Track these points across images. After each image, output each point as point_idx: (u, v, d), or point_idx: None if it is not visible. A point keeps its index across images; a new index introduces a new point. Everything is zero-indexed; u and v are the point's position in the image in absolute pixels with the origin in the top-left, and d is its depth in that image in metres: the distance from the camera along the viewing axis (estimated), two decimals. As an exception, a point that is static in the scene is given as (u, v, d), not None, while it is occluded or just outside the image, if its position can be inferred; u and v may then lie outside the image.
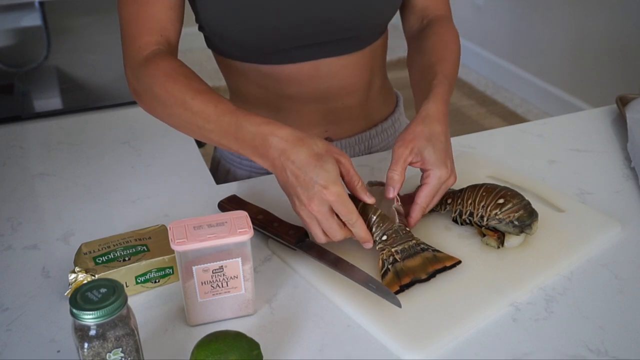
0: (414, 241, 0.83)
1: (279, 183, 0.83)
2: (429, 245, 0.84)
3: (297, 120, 1.10)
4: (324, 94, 1.08)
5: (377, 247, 0.83)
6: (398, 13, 1.12)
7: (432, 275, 0.81)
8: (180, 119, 0.89)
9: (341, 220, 0.80)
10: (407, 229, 0.85)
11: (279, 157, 0.80)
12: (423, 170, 0.87)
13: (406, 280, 0.79)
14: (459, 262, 0.83)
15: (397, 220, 0.84)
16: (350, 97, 1.10)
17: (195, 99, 0.86)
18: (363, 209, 0.84)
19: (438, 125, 0.87)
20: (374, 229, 0.83)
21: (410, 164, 0.86)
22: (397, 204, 0.86)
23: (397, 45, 2.42)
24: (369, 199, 0.83)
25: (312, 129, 1.11)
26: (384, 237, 0.83)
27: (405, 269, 0.80)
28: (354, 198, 0.83)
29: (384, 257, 0.82)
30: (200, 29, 1.05)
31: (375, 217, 0.83)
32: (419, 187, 0.87)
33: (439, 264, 0.82)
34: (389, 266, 0.81)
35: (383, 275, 0.81)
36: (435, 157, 0.85)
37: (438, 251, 0.83)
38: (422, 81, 0.95)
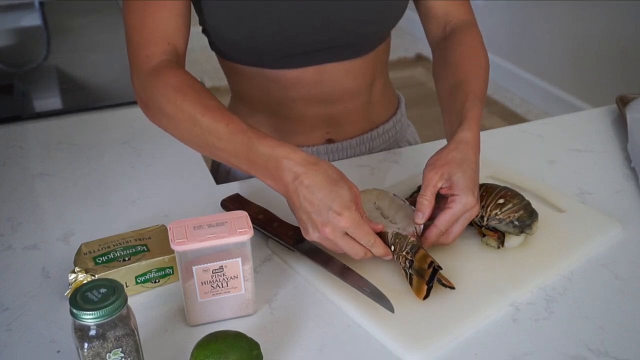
0: (414, 239, 0.82)
1: (290, 207, 0.81)
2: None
3: (298, 123, 1.10)
4: (326, 97, 1.08)
5: (395, 261, 0.82)
6: (418, 19, 1.11)
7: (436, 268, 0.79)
8: (189, 134, 0.87)
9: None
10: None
11: (292, 181, 0.78)
12: (449, 195, 0.83)
13: (428, 275, 0.77)
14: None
15: (412, 228, 0.83)
16: (353, 100, 1.10)
17: (205, 115, 0.84)
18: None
19: (471, 152, 0.84)
20: (391, 247, 0.82)
21: (440, 189, 0.83)
22: (417, 226, 0.84)
23: (397, 45, 2.42)
24: (377, 227, 0.81)
25: (313, 132, 1.11)
26: (392, 248, 0.82)
27: (420, 263, 0.79)
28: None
29: (402, 265, 0.81)
30: (204, 31, 1.04)
31: (391, 237, 0.82)
32: (439, 211, 0.84)
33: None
34: (410, 271, 0.80)
35: (411, 283, 0.80)
36: (464, 183, 0.82)
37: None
38: (453, 101, 0.92)
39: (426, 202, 0.82)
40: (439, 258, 0.83)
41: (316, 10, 0.97)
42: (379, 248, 0.80)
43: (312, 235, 0.79)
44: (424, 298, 0.78)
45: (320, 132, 1.11)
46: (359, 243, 0.79)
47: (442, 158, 0.83)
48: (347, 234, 0.78)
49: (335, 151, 1.12)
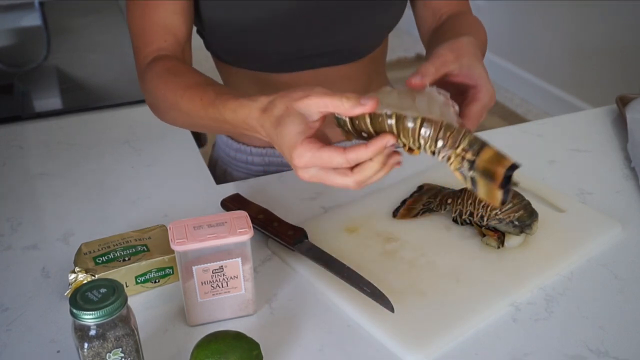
0: (470, 133, 0.65)
1: None
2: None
3: None
4: None
5: (439, 159, 0.66)
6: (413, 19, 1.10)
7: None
8: (179, 119, 0.89)
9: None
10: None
11: (265, 136, 0.74)
12: (470, 87, 0.74)
13: (500, 175, 0.63)
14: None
15: (454, 114, 0.67)
16: None
17: (183, 97, 0.84)
18: (375, 121, 0.67)
19: (480, 53, 0.78)
20: (421, 141, 0.66)
21: (449, 74, 0.73)
22: (443, 97, 0.69)
23: (397, 45, 2.41)
24: (366, 105, 0.66)
25: None
26: (439, 144, 0.65)
27: (488, 164, 0.63)
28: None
29: (457, 167, 0.65)
30: (199, 32, 1.04)
31: (414, 124, 0.65)
32: (465, 106, 0.73)
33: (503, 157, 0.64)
34: (472, 174, 0.64)
35: (474, 187, 0.65)
36: (484, 73, 0.74)
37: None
38: (447, 34, 0.88)
39: (432, 70, 0.71)
40: (437, 255, 0.83)
41: (313, 18, 0.97)
42: (360, 153, 0.65)
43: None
44: (502, 203, 0.64)
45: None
46: (343, 171, 0.67)
47: (459, 46, 0.75)
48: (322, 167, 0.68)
49: None
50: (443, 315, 0.77)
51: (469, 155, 0.64)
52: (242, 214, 0.77)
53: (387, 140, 0.65)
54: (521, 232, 0.86)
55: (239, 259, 0.76)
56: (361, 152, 0.65)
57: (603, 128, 1.21)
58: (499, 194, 0.63)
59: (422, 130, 0.65)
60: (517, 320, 0.78)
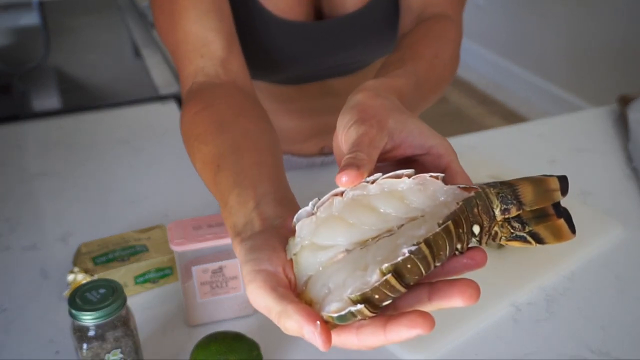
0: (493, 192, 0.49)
1: None
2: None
3: (293, 135, 1.07)
4: (325, 109, 1.05)
5: (489, 243, 0.49)
6: None
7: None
8: (205, 181, 0.70)
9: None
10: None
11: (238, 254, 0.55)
12: (422, 155, 0.52)
13: (551, 211, 0.49)
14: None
15: (441, 186, 0.48)
16: None
17: (198, 168, 0.69)
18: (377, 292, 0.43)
19: (394, 95, 0.57)
20: (446, 254, 0.45)
21: (382, 151, 0.51)
22: (405, 177, 0.48)
23: (397, 44, 2.40)
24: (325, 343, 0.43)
25: (309, 141, 1.08)
26: (476, 230, 0.47)
27: (535, 203, 0.49)
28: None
29: (510, 236, 0.49)
30: None
31: (421, 254, 0.43)
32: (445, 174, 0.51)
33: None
34: (529, 229, 0.49)
35: (540, 242, 0.50)
36: (424, 127, 0.52)
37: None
38: (380, 70, 0.69)
39: (365, 158, 0.47)
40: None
41: (323, 38, 0.94)
42: (369, 340, 0.44)
43: None
44: (574, 232, 0.51)
45: (315, 142, 1.10)
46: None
47: (365, 108, 0.52)
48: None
49: (328, 163, 1.11)
50: (443, 315, 0.77)
51: (513, 211, 0.48)
52: (242, 214, 0.77)
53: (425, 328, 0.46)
54: (522, 232, 0.85)
55: (239, 259, 0.75)
56: (370, 339, 0.45)
57: (604, 128, 1.21)
58: (564, 227, 0.50)
59: (442, 250, 0.44)
60: (517, 321, 0.78)
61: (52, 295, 0.83)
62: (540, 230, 0.50)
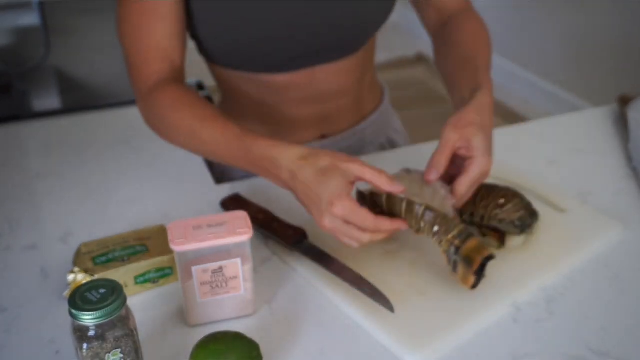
0: (462, 224, 0.79)
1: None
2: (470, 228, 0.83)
3: (291, 123, 1.09)
4: (318, 98, 1.08)
5: (432, 241, 0.79)
6: (417, 19, 1.11)
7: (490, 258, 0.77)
8: (191, 146, 0.93)
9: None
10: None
11: (290, 179, 0.80)
12: (465, 158, 0.83)
13: (477, 262, 0.75)
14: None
15: (451, 207, 0.80)
16: (344, 97, 1.11)
17: (202, 127, 0.89)
18: (390, 200, 0.80)
19: (488, 117, 0.87)
20: (421, 224, 0.79)
21: (456, 150, 0.82)
22: (444, 192, 0.81)
23: (397, 45, 2.42)
24: (396, 187, 0.78)
25: (306, 130, 1.11)
26: (436, 228, 0.78)
27: (470, 253, 0.76)
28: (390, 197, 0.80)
29: (446, 250, 0.77)
30: (193, 37, 1.04)
31: (421, 209, 0.78)
32: (455, 181, 0.82)
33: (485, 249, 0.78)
34: (455, 258, 0.77)
35: (454, 270, 0.77)
36: (483, 146, 0.82)
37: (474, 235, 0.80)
38: (463, 73, 0.94)
39: (443, 160, 0.81)
40: (437, 255, 0.83)
41: (304, 17, 0.98)
42: (384, 225, 0.77)
43: (317, 224, 0.79)
44: (473, 287, 0.76)
45: (312, 130, 1.12)
46: (362, 229, 0.77)
47: (462, 119, 0.83)
48: (347, 222, 0.77)
49: (328, 146, 1.13)
50: (443, 315, 0.77)
51: (457, 242, 0.76)
52: (242, 214, 0.77)
53: (404, 225, 0.79)
54: (522, 232, 0.86)
55: (239, 259, 0.75)
56: (385, 224, 0.77)
57: (604, 128, 1.21)
58: (472, 279, 0.76)
59: (425, 216, 0.78)
60: (517, 321, 0.78)
61: (52, 295, 0.83)
62: (460, 265, 0.76)
